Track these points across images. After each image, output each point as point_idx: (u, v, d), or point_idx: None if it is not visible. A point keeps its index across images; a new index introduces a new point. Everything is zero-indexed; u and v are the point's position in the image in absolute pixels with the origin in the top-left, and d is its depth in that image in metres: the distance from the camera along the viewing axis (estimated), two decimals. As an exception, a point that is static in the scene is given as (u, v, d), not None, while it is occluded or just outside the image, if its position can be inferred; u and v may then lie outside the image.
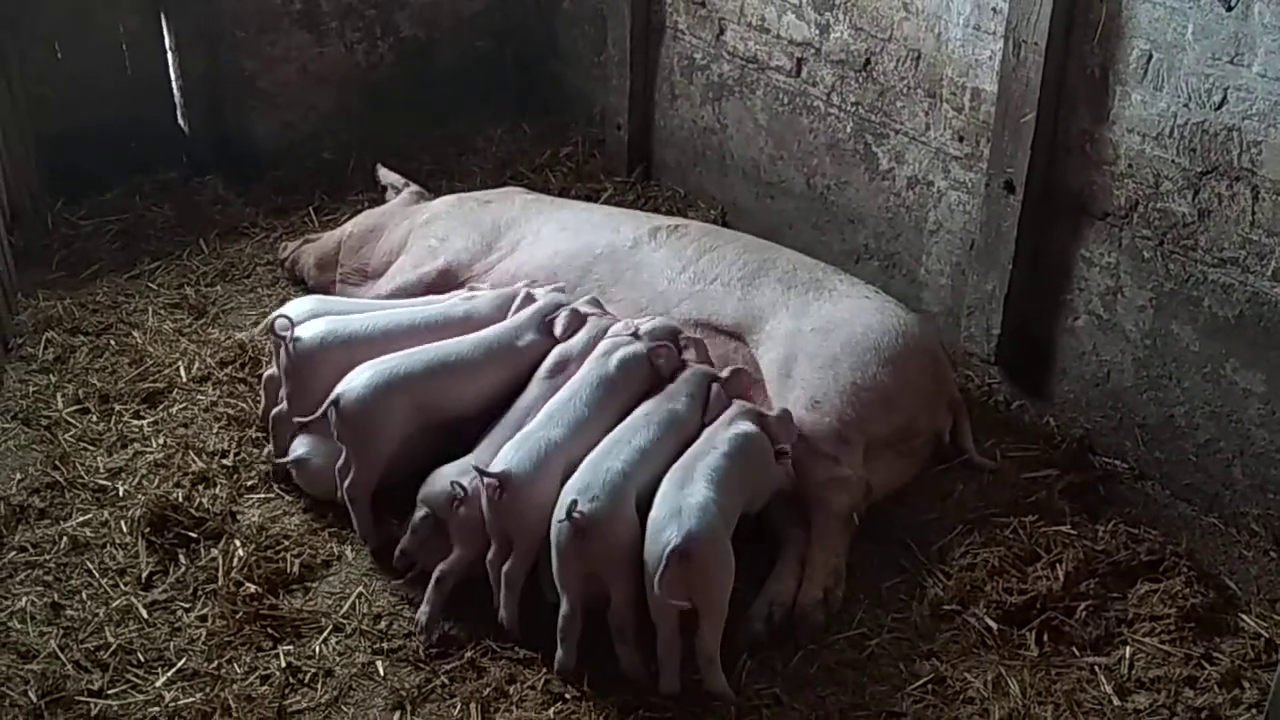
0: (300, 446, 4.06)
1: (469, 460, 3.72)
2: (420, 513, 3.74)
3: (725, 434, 3.67)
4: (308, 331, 4.05)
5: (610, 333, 4.05)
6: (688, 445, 3.69)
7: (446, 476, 3.68)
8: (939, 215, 4.80)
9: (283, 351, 4.08)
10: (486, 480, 3.50)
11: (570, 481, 3.48)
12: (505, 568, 3.56)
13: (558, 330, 4.10)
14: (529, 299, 4.25)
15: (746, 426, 3.72)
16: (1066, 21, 4.10)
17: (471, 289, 4.48)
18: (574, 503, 3.33)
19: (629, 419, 3.74)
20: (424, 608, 3.62)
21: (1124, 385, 4.31)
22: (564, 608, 3.43)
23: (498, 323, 4.19)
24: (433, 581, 3.63)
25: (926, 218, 4.85)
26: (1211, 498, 4.13)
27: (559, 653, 3.46)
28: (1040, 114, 4.20)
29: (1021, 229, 4.38)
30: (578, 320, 4.13)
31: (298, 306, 4.29)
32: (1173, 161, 3.97)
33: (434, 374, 3.92)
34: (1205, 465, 4.13)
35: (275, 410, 4.16)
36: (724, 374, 3.96)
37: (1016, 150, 4.30)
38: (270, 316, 4.20)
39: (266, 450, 4.26)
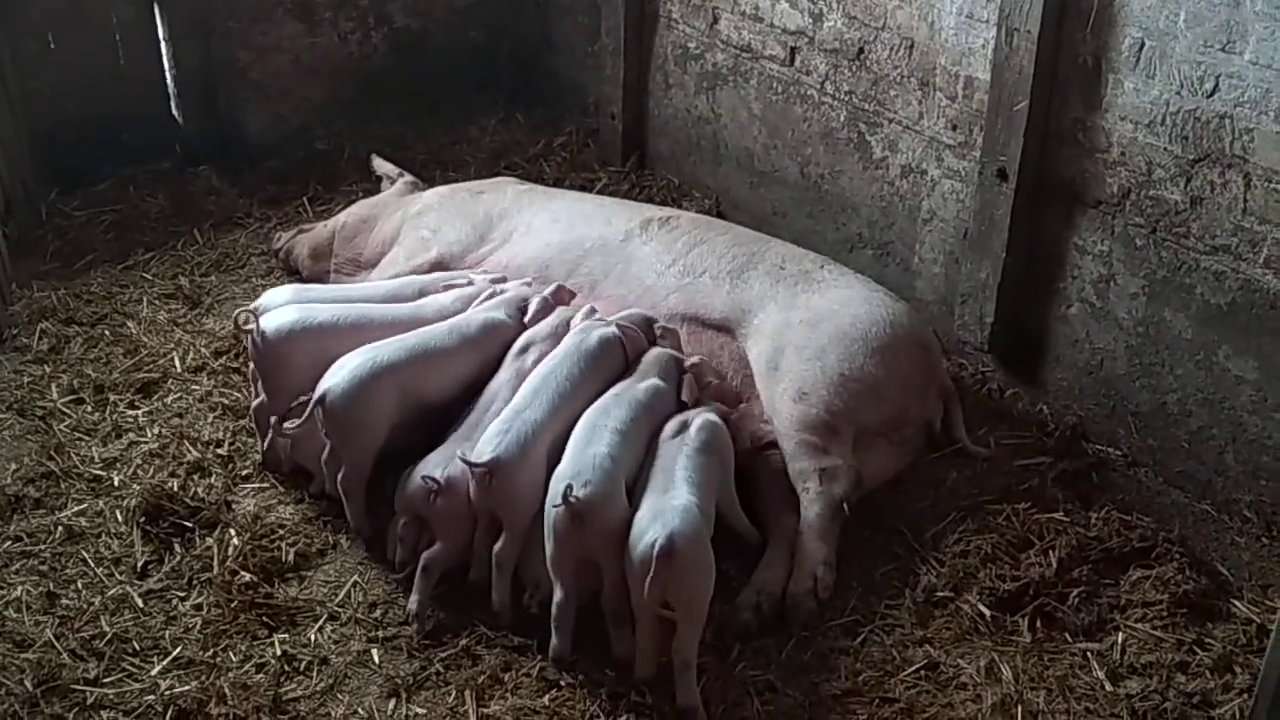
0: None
1: (443, 450, 3.75)
2: (401, 520, 3.76)
3: (692, 426, 3.70)
4: (273, 323, 4.04)
5: (579, 318, 4.11)
6: (660, 425, 3.72)
7: (419, 477, 3.70)
8: (932, 204, 4.81)
9: (250, 345, 4.08)
10: (476, 469, 3.52)
11: (559, 469, 3.50)
12: (496, 549, 3.58)
13: (529, 314, 4.16)
14: (495, 294, 4.29)
15: (711, 417, 3.76)
16: (1059, 9, 4.10)
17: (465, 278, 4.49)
18: (569, 487, 3.34)
19: (599, 401, 3.76)
20: (414, 596, 3.63)
21: (1117, 373, 4.32)
22: (557, 595, 3.45)
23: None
24: (419, 570, 3.65)
25: (920, 206, 4.86)
26: (1204, 484, 4.15)
27: (554, 640, 3.47)
28: (1033, 102, 4.21)
29: (1015, 217, 4.38)
30: (548, 306, 4.20)
31: (275, 296, 4.29)
32: (1165, 149, 3.98)
33: (414, 360, 3.93)
34: (1198, 452, 4.14)
35: (257, 402, 4.17)
36: (689, 361, 3.99)
37: (1009, 138, 4.31)
38: (237, 313, 4.19)
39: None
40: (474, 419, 3.85)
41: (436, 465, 3.69)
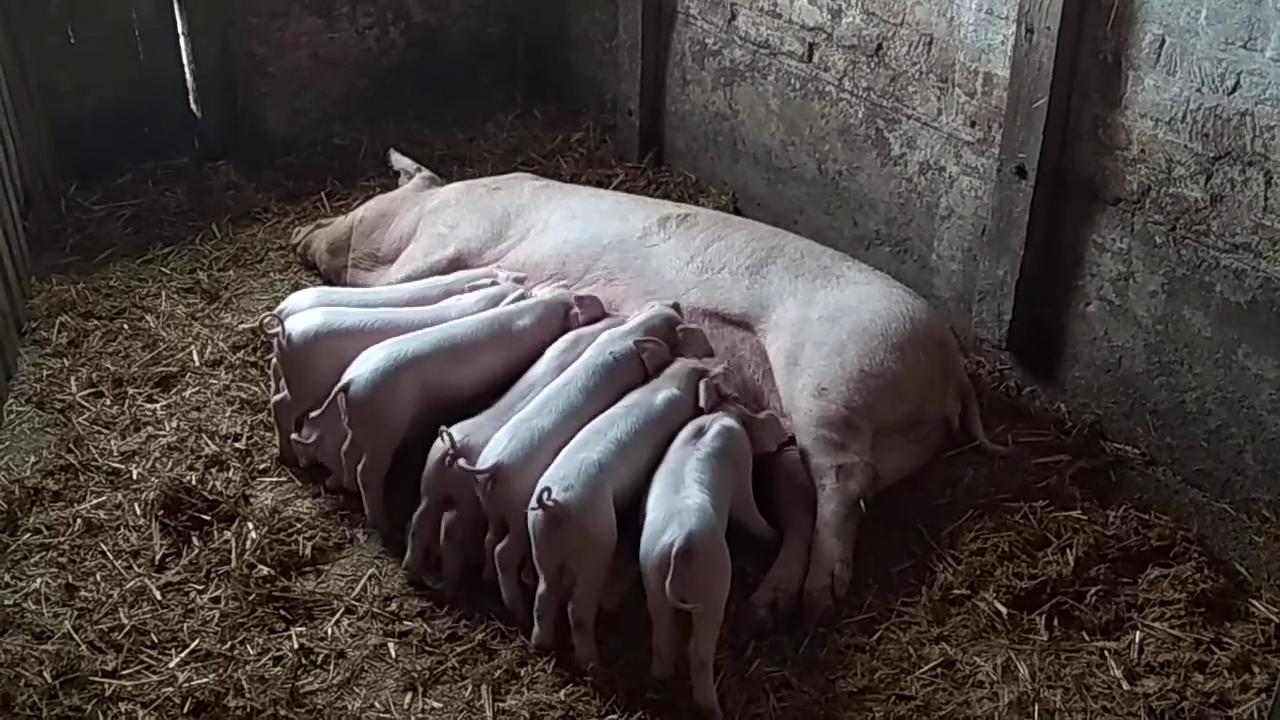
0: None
1: (474, 420, 3.77)
2: (420, 508, 3.76)
3: (709, 432, 3.68)
4: (299, 326, 4.06)
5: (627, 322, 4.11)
6: (671, 438, 3.70)
7: (439, 447, 3.69)
8: (951, 201, 4.80)
9: (276, 346, 4.11)
10: (480, 475, 3.53)
11: (547, 472, 3.49)
12: (498, 549, 3.59)
13: (575, 310, 4.19)
14: (523, 295, 4.31)
15: (729, 423, 3.74)
16: (1079, 6, 4.09)
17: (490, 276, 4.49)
18: (546, 491, 3.34)
19: (609, 411, 3.75)
20: (447, 562, 3.70)
21: (1135, 371, 4.31)
22: (541, 587, 3.47)
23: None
24: (443, 538, 3.69)
25: (938, 203, 4.85)
26: (1223, 483, 4.13)
27: (536, 629, 3.50)
28: (1052, 99, 4.19)
29: (1033, 214, 4.37)
30: (596, 307, 4.22)
31: (299, 299, 4.31)
32: (1185, 146, 3.97)
33: (440, 354, 3.95)
34: (1216, 451, 4.13)
35: (278, 398, 4.18)
36: (715, 370, 3.97)
37: (1028, 135, 4.29)
38: (262, 316, 4.20)
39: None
40: (508, 401, 3.87)
41: (463, 430, 3.70)
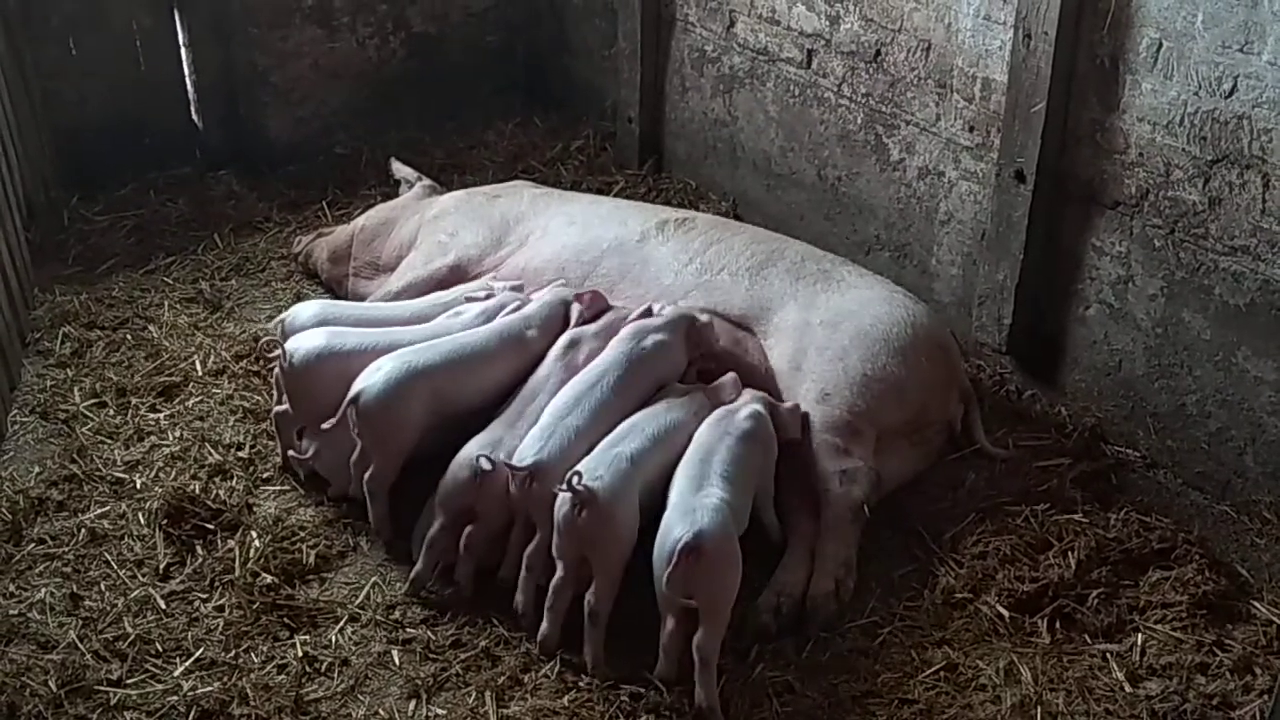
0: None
1: (488, 434, 3.78)
2: (436, 524, 3.75)
3: (738, 416, 3.72)
4: (302, 347, 4.05)
5: (630, 318, 4.11)
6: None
7: (463, 465, 3.71)
8: (950, 205, 4.81)
9: (279, 367, 4.11)
10: (518, 473, 3.55)
11: (582, 462, 3.52)
12: (528, 551, 3.60)
13: (575, 311, 4.18)
14: (520, 304, 4.31)
15: (758, 408, 3.78)
16: (1076, 10, 4.10)
17: (486, 289, 4.50)
18: (577, 474, 3.37)
19: (653, 407, 3.79)
20: (460, 569, 3.71)
21: (1135, 374, 4.32)
22: (557, 577, 3.48)
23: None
24: (462, 549, 3.69)
25: (937, 208, 4.86)
26: (1223, 485, 4.14)
27: (544, 625, 3.51)
28: (1050, 103, 4.21)
29: (1032, 219, 4.38)
30: (599, 301, 4.22)
31: (303, 311, 4.32)
32: (1183, 150, 3.98)
33: (449, 364, 3.96)
34: (1217, 453, 4.14)
35: (280, 408, 4.19)
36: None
37: (1027, 140, 4.31)
38: (262, 339, 4.20)
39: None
40: (517, 408, 3.89)
41: (485, 447, 3.71)
